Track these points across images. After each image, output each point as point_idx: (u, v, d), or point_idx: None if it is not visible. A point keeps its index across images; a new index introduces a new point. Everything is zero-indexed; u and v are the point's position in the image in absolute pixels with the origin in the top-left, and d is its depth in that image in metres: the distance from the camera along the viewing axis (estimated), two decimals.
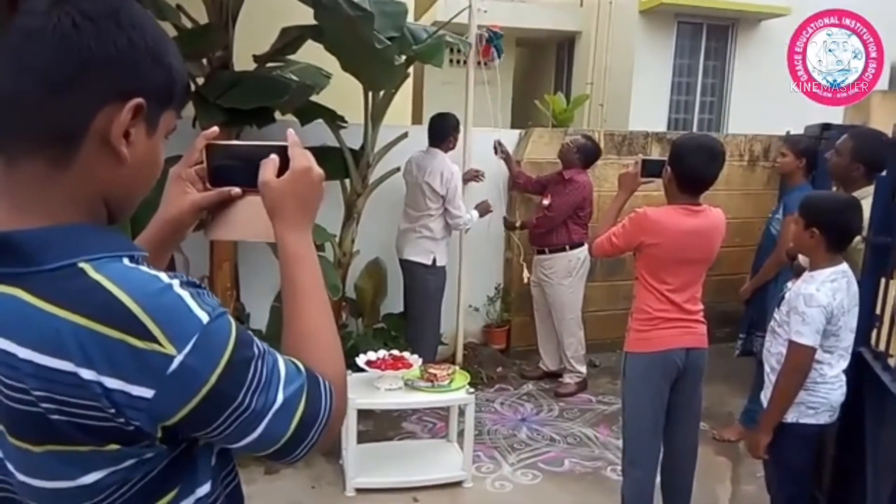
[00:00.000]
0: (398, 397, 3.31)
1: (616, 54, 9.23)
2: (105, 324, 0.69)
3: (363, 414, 3.45)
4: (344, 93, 3.94)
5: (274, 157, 0.92)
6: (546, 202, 4.48)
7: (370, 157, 4.19)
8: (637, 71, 8.90)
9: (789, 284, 2.57)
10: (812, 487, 2.60)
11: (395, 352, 3.49)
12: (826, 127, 4.39)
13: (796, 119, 4.99)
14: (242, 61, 3.73)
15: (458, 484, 3.36)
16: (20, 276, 0.71)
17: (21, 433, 0.72)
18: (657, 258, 2.63)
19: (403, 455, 3.60)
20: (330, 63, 3.75)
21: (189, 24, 3.58)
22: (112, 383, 0.69)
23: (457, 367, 3.57)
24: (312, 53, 3.83)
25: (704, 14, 8.74)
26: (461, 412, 3.48)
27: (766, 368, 2.53)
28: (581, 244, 4.39)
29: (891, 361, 2.44)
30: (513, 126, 5.92)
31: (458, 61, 7.77)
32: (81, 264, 0.72)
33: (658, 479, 2.82)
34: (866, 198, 2.69)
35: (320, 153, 4.70)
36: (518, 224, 4.72)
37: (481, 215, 4.50)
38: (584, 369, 4.65)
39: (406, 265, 4.33)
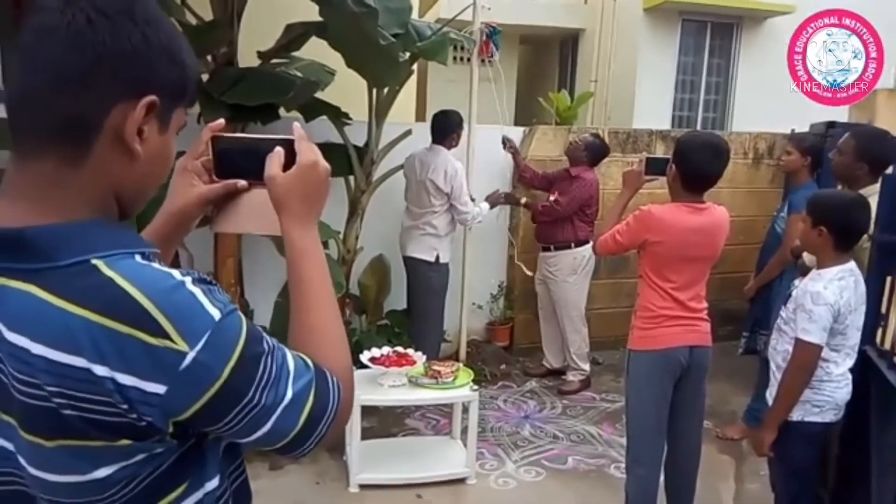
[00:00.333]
0: (402, 394, 3.32)
1: (620, 52, 9.19)
2: (118, 320, 0.70)
3: (367, 410, 3.45)
4: (348, 89, 3.94)
5: (280, 150, 0.92)
6: (553, 198, 4.48)
7: (374, 154, 4.19)
8: (641, 69, 8.89)
9: (796, 282, 2.57)
10: (816, 486, 2.60)
11: (399, 348, 3.50)
12: (831, 125, 4.38)
13: (801, 117, 4.97)
14: (247, 57, 3.73)
15: (461, 481, 3.37)
16: (34, 272, 0.71)
17: (34, 427, 0.72)
18: (661, 256, 2.62)
19: (407, 452, 3.60)
20: (334, 59, 3.75)
21: (194, 21, 3.58)
22: (125, 379, 0.70)
23: (460, 364, 3.57)
24: (317, 50, 3.83)
25: (709, 12, 8.72)
26: (465, 409, 3.49)
27: (772, 366, 2.52)
28: (587, 242, 4.39)
29: None
30: (516, 123, 5.92)
31: (462, 58, 7.77)
32: (94, 261, 0.72)
33: (662, 477, 2.82)
34: (871, 196, 2.68)
35: (324, 150, 4.70)
36: (523, 201, 4.67)
37: (492, 206, 4.50)
38: (587, 367, 4.65)
39: (409, 262, 4.33)
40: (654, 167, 2.76)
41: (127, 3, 0.75)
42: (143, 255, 0.76)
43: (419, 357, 3.39)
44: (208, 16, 3.59)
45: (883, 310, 2.60)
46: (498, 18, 4.73)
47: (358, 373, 3.30)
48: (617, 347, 4.86)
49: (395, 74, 3.77)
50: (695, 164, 2.57)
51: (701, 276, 2.70)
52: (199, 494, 0.81)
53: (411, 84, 5.33)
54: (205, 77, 3.61)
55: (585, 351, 4.65)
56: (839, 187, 3.08)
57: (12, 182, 0.76)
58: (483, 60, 4.50)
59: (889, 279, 2.59)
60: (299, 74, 3.63)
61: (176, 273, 0.75)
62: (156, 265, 0.76)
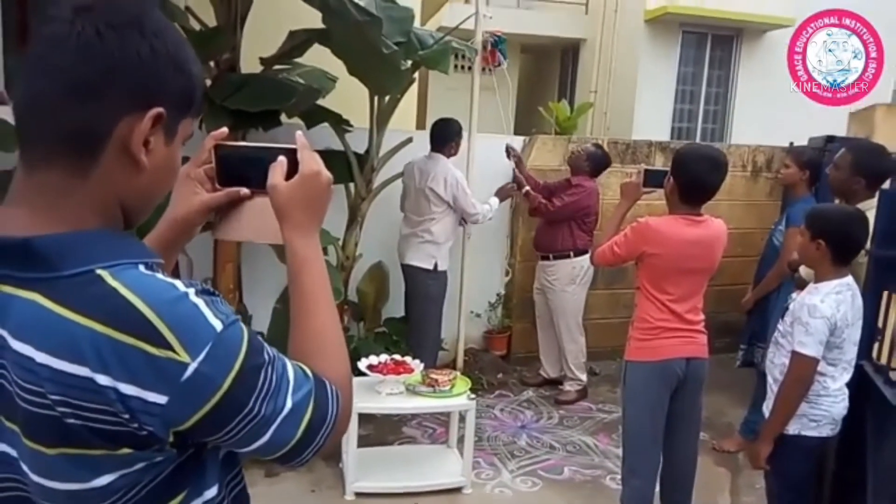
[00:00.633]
0: (399, 402, 3.31)
1: (620, 62, 9.26)
2: (121, 330, 0.70)
3: (364, 418, 3.45)
4: (350, 97, 3.95)
5: (283, 159, 0.93)
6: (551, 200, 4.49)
7: (375, 162, 4.20)
8: (641, 79, 8.93)
9: (794, 295, 2.58)
10: (812, 500, 2.60)
11: (397, 356, 3.50)
12: (830, 139, 4.40)
13: (800, 130, 5.00)
14: (249, 63, 3.74)
15: (457, 490, 3.36)
16: (39, 281, 0.72)
17: (36, 435, 0.72)
18: (659, 268, 2.63)
19: (403, 460, 3.60)
20: (336, 66, 3.77)
21: (197, 27, 3.59)
22: (127, 389, 0.70)
23: (458, 373, 3.57)
24: (319, 56, 3.85)
25: (709, 24, 8.77)
26: (462, 418, 3.48)
27: (769, 379, 2.53)
28: (585, 251, 4.39)
29: (892, 375, 2.44)
30: (516, 132, 5.93)
31: (464, 67, 7.80)
32: (99, 271, 0.73)
33: (657, 488, 2.82)
34: (869, 210, 2.70)
35: (325, 157, 4.69)
36: (524, 189, 4.58)
37: (502, 200, 4.50)
38: (584, 377, 4.65)
39: (408, 270, 4.33)
40: (653, 179, 2.77)
41: (135, 14, 0.76)
42: (147, 266, 0.77)
43: (417, 365, 3.39)
44: (212, 21, 3.61)
45: (879, 324, 2.61)
46: (499, 27, 4.76)
47: (355, 380, 3.26)
48: (614, 358, 4.87)
49: (397, 82, 3.78)
50: (693, 176, 2.58)
51: (698, 288, 2.71)
52: (198, 502, 0.81)
53: (412, 92, 5.35)
54: (207, 83, 3.63)
55: (582, 361, 4.65)
56: (837, 202, 3.09)
57: (19, 190, 0.77)
58: (487, 69, 4.51)
59: (886, 294, 2.60)
60: (301, 81, 3.65)
61: (179, 284, 0.75)
62: (160, 276, 0.76)
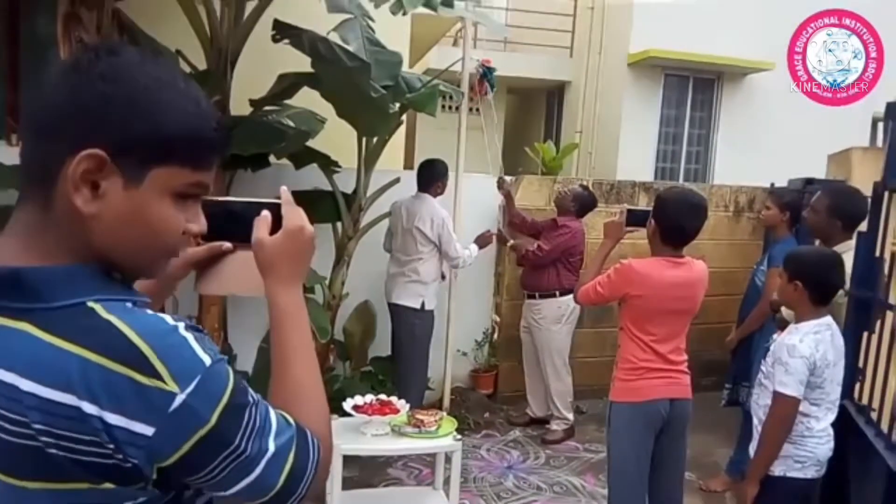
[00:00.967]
0: (385, 443, 3.28)
1: (605, 104, 9.44)
2: (111, 358, 0.71)
3: (349, 459, 3.41)
4: (338, 137, 4.01)
5: (266, 214, 0.95)
6: (537, 244, 4.53)
7: (362, 201, 4.24)
8: (625, 120, 9.09)
9: (775, 336, 2.61)
10: None
11: (383, 396, 3.47)
12: (809, 181, 4.49)
13: (780, 171, 5.10)
14: (239, 105, 3.79)
15: None
16: (28, 311, 0.73)
17: (14, 468, 0.72)
18: (642, 309, 2.66)
19: (389, 502, 3.55)
20: (324, 107, 3.83)
21: (188, 69, 3.65)
22: (113, 419, 0.71)
23: (444, 413, 3.55)
24: (307, 98, 3.90)
25: (691, 67, 8.97)
26: (448, 459, 3.45)
27: (755, 421, 2.54)
28: (571, 290, 4.42)
29: (873, 415, 2.47)
30: (503, 172, 6.00)
31: (451, 107, 7.91)
32: (91, 303, 0.75)
33: None
34: (847, 252, 2.75)
35: (313, 197, 4.72)
36: (510, 243, 4.71)
37: (481, 247, 4.54)
38: (571, 416, 4.64)
39: (395, 309, 4.34)
40: (635, 219, 2.83)
41: (94, 59, 0.77)
42: (134, 304, 0.79)
43: (402, 405, 3.37)
44: (202, 65, 3.66)
45: (860, 364, 2.64)
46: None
47: (340, 421, 3.28)
48: (601, 396, 4.85)
49: (385, 125, 3.84)
50: (674, 220, 2.63)
51: (681, 328, 2.74)
52: None
53: (401, 132, 5.42)
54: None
55: (569, 400, 4.64)
56: (817, 243, 3.15)
57: (13, 221, 0.80)
58: (472, 104, 4.59)
59: (866, 334, 2.64)
60: (291, 123, 3.70)
61: (169, 318, 0.77)
62: (149, 311, 0.78)
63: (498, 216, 5.13)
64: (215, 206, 0.98)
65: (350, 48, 3.55)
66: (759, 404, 2.51)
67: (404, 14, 3.13)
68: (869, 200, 2.86)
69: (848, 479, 2.52)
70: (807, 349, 2.34)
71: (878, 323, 2.56)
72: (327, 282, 4.22)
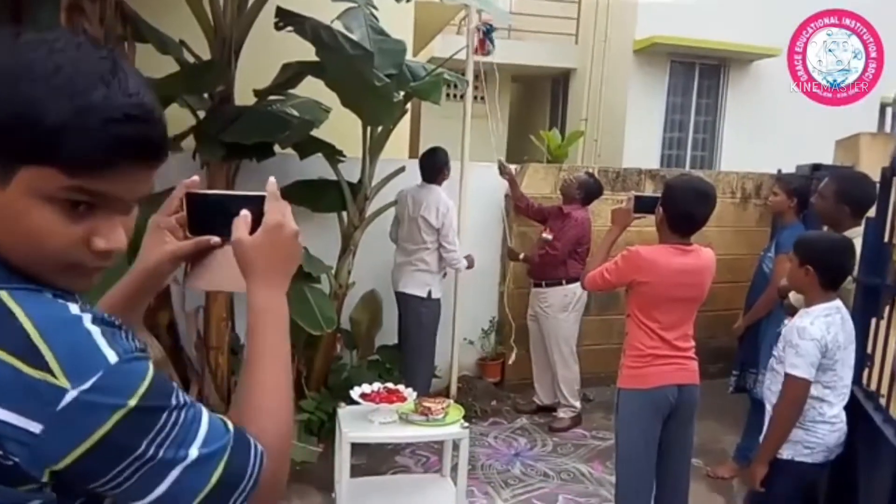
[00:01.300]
0: (392, 431, 3.30)
1: (610, 91, 9.39)
2: None
3: (357, 447, 3.43)
4: (343, 127, 4.00)
5: (246, 213, 0.92)
6: (547, 236, 4.51)
7: (367, 191, 4.24)
8: (631, 108, 9.05)
9: (786, 321, 2.61)
10: None
11: (390, 384, 3.48)
12: (816, 167, 4.47)
13: (787, 157, 5.07)
14: (244, 95, 3.78)
15: None
16: None
17: None
18: (649, 296, 2.66)
19: (397, 489, 3.57)
20: (329, 97, 3.81)
21: (192, 59, 3.64)
22: None
23: (451, 401, 3.56)
24: (312, 87, 3.89)
25: (696, 54, 8.92)
26: (455, 446, 3.47)
27: (768, 407, 2.54)
28: (577, 279, 4.42)
29: (882, 401, 2.46)
30: (508, 160, 6.00)
31: (456, 96, 7.89)
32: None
33: None
34: (856, 237, 2.74)
35: (318, 186, 4.71)
36: (521, 256, 4.71)
37: (468, 267, 4.52)
38: (578, 404, 4.65)
39: (401, 298, 4.35)
40: (643, 205, 2.82)
41: None
42: (55, 295, 0.73)
43: (410, 393, 3.38)
44: (206, 55, 3.65)
45: (868, 350, 2.63)
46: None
47: (348, 409, 3.29)
48: (608, 384, 4.85)
49: (390, 114, 3.83)
50: (682, 208, 2.62)
51: (689, 315, 2.74)
52: None
53: (405, 120, 5.41)
54: (202, 115, 3.67)
55: (576, 388, 4.65)
56: (825, 228, 3.14)
57: None
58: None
59: (874, 320, 2.63)
60: (295, 112, 3.69)
61: (74, 307, 0.71)
62: (59, 301, 0.72)
63: (503, 204, 5.11)
64: (203, 200, 0.96)
65: (354, 36, 3.53)
66: (772, 390, 2.51)
67: (408, 1, 3.11)
68: (877, 186, 2.84)
69: (856, 464, 2.51)
70: (817, 331, 2.34)
71: (887, 309, 2.55)
72: (333, 271, 4.23)
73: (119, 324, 0.73)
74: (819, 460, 2.44)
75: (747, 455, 3.40)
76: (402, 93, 3.78)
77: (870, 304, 2.65)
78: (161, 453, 0.70)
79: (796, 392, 2.36)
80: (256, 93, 3.85)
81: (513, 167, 5.25)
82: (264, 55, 3.83)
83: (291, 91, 4.01)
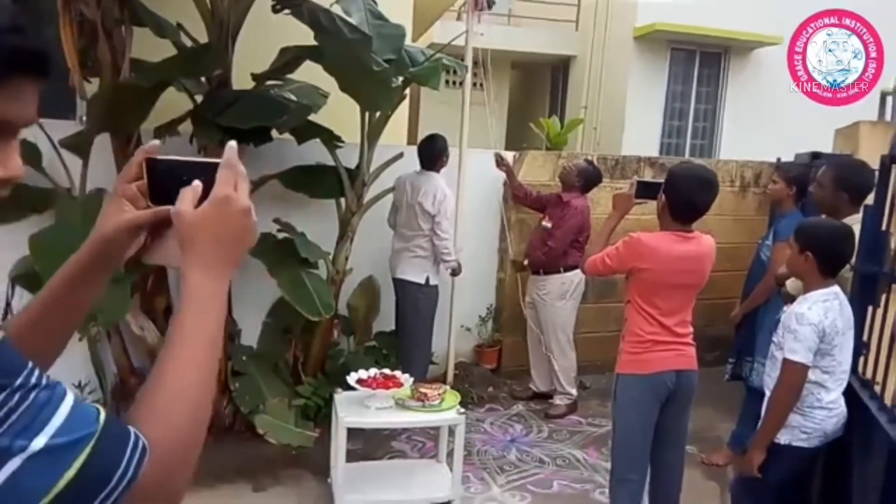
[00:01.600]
0: (389, 416, 3.31)
1: (610, 79, 9.35)
2: None
3: (353, 433, 3.44)
4: (341, 112, 3.98)
5: (197, 184, 0.82)
6: (546, 224, 4.51)
7: (365, 177, 4.23)
8: (631, 95, 9.02)
9: (785, 308, 2.61)
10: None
11: (387, 370, 3.50)
12: (816, 156, 4.46)
13: (787, 146, 5.06)
14: (241, 80, 3.76)
15: None
16: None
17: None
18: (649, 283, 2.66)
19: (393, 474, 3.59)
20: (327, 82, 3.79)
21: (189, 43, 3.62)
22: None
23: (447, 387, 3.57)
24: (310, 72, 3.87)
25: (697, 41, 8.88)
26: (451, 432, 3.48)
27: (767, 393, 2.55)
28: (576, 267, 4.41)
29: (877, 389, 2.47)
30: (507, 148, 5.98)
31: (455, 82, 7.86)
32: None
33: (645, 500, 2.83)
34: (854, 225, 2.74)
35: (316, 172, 4.68)
36: (525, 262, 4.70)
37: (452, 275, 4.51)
38: (574, 391, 4.66)
39: (399, 284, 4.35)
40: (645, 191, 2.81)
41: None
42: None
43: (406, 379, 3.39)
44: (204, 38, 3.63)
45: (864, 338, 2.64)
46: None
47: (345, 394, 3.31)
48: (604, 371, 4.88)
49: (388, 99, 3.81)
50: (684, 196, 2.62)
51: (688, 302, 2.74)
52: None
53: (404, 106, 5.38)
54: (199, 99, 3.65)
55: (573, 375, 4.66)
56: (823, 216, 3.13)
57: None
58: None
59: (871, 308, 2.63)
60: (293, 97, 3.67)
61: None
62: None
63: (501, 192, 5.10)
64: (164, 167, 0.87)
65: (352, 20, 3.50)
66: (772, 377, 2.52)
67: None
68: (876, 173, 2.84)
69: (850, 451, 2.53)
70: (815, 316, 2.35)
71: (884, 297, 2.55)
72: (331, 257, 4.22)
73: None
74: (815, 444, 2.46)
75: (742, 442, 3.42)
76: (400, 78, 3.75)
77: (866, 291, 2.65)
78: None
79: (794, 377, 2.37)
80: (254, 77, 3.82)
81: (511, 154, 5.25)
82: (262, 39, 3.81)
83: (289, 76, 3.98)
